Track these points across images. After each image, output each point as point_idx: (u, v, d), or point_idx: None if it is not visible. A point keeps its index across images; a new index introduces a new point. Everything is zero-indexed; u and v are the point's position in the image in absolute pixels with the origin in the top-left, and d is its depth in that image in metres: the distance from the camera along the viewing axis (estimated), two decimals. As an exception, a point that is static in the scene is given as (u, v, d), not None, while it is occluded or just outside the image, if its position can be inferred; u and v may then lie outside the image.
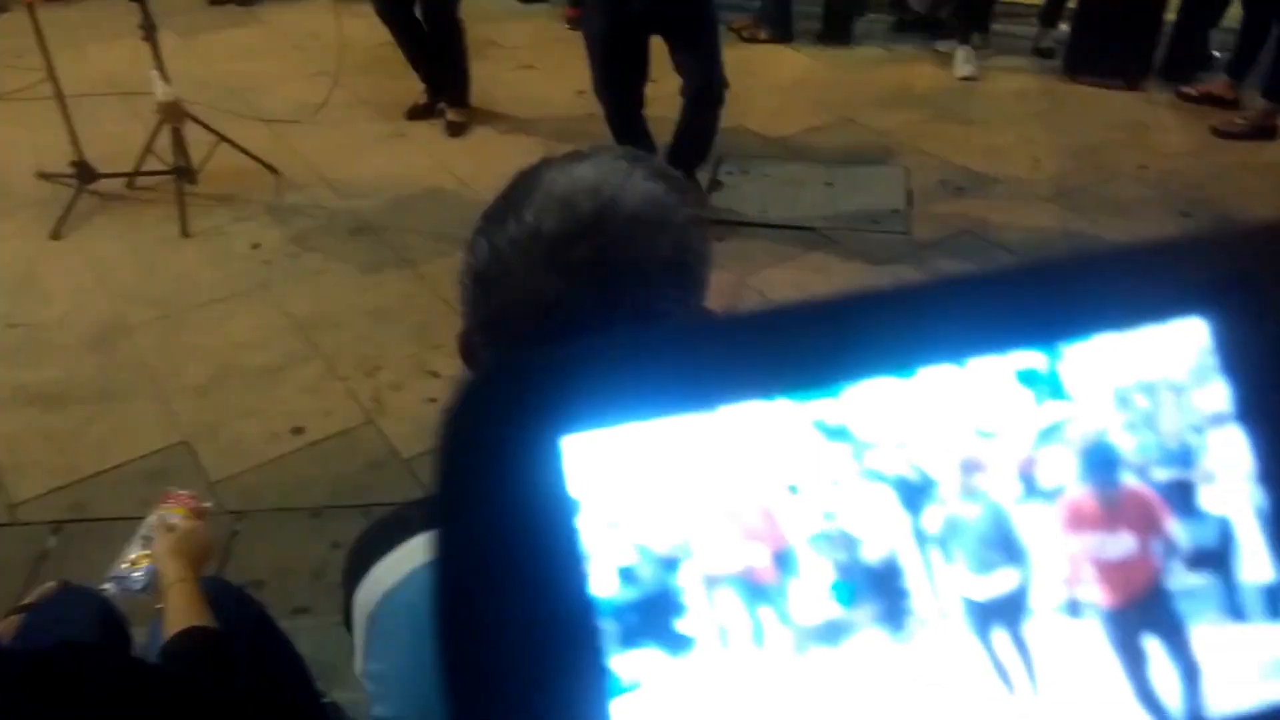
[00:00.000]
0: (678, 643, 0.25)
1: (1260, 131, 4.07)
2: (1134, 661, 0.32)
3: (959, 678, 0.28)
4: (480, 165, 3.67)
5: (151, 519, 1.49)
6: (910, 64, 4.86)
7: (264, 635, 1.49)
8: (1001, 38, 5.04)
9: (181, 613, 1.26)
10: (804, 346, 0.27)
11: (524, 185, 0.76)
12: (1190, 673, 0.33)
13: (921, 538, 0.29)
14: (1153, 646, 0.32)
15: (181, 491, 1.56)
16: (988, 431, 0.30)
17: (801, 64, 4.98)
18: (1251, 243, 0.32)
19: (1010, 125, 4.22)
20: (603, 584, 0.24)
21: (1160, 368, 0.32)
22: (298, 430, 2.44)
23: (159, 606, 1.33)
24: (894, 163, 3.84)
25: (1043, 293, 0.31)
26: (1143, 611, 0.32)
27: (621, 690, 0.24)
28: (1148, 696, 0.32)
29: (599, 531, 0.24)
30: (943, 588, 0.29)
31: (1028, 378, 0.31)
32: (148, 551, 1.45)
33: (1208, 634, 0.32)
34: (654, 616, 0.25)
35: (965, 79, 4.64)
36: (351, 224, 3.40)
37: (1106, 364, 0.32)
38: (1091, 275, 0.32)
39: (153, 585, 1.41)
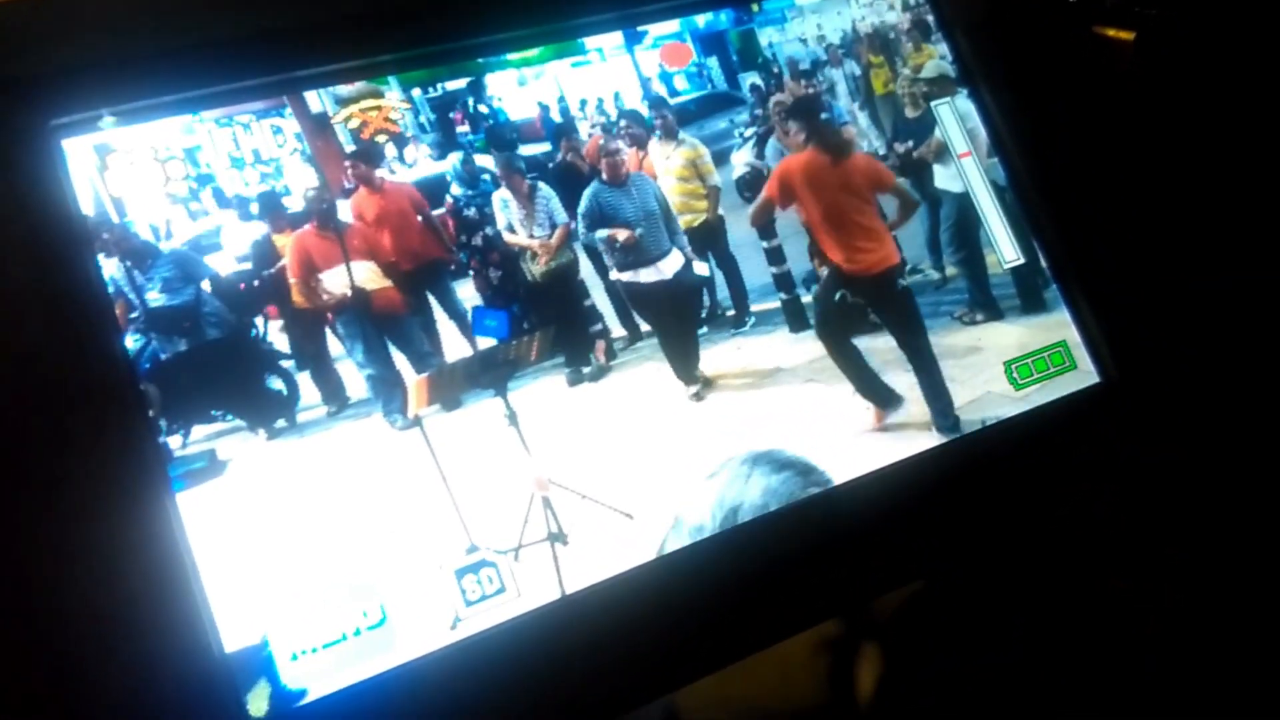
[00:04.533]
0: (271, 403, 0.21)
1: None
2: (847, 358, 0.30)
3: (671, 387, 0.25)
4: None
5: None
6: None
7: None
8: None
9: None
10: (426, 7, 0.21)
11: None
12: (931, 374, 0.31)
13: (594, 240, 0.25)
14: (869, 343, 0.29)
15: None
16: (662, 107, 0.26)
17: None
18: None
19: None
20: (141, 336, 0.20)
21: (871, 25, 0.27)
22: None
23: None
24: None
25: None
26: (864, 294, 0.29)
27: (190, 472, 0.20)
28: (870, 388, 0.30)
29: (128, 266, 0.20)
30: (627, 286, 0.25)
31: (715, 43, 0.26)
32: None
33: (942, 331, 0.30)
34: (227, 374, 0.21)
35: None
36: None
37: (811, 23, 0.27)
38: None
39: None
